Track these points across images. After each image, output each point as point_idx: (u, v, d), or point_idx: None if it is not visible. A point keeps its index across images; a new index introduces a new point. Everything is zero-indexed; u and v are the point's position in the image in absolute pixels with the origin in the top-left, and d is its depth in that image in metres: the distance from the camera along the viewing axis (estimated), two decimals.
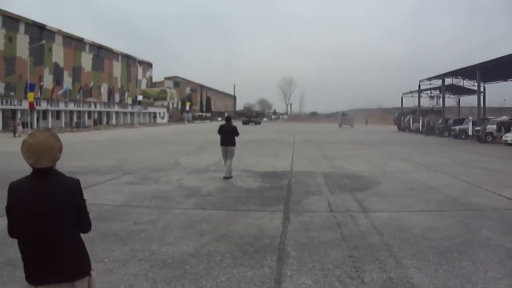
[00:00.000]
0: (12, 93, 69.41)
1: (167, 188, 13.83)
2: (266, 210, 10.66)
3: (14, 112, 64.87)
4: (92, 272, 3.55)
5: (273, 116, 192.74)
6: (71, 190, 3.34)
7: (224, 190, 13.59)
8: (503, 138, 37.45)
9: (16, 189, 3.26)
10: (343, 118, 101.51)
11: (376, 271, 6.34)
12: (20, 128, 51.57)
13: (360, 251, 7.29)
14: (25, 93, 61.86)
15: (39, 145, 3.20)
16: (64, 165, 15.51)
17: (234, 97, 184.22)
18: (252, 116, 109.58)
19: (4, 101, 63.22)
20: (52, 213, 3.18)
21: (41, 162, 3.19)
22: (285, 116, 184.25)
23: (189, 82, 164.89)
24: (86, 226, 3.53)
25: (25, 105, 61.06)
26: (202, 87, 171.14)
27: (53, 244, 3.18)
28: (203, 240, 8.00)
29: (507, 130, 38.56)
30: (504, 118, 42.77)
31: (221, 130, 16.40)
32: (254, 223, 9.33)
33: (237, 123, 25.94)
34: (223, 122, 16.71)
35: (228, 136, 16.14)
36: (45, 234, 3.07)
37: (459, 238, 8.07)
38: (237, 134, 16.35)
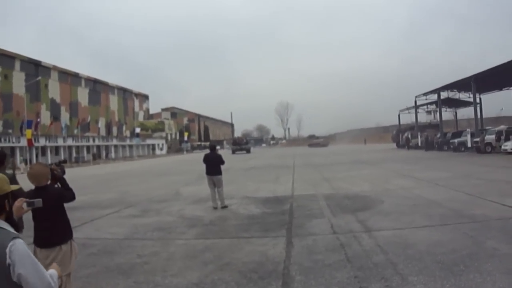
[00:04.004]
0: (10, 131, 69.68)
1: (169, 219, 13.79)
2: (269, 236, 10.60)
3: (13, 149, 64.97)
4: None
5: (271, 141, 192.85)
6: (58, 193, 5.69)
7: (226, 218, 13.54)
8: (502, 147, 37.51)
9: (28, 195, 5.30)
10: (314, 141, 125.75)
11: None
12: (22, 165, 51.75)
13: (365, 271, 7.24)
14: (22, 130, 62.07)
15: (37, 173, 5.51)
16: None
17: (232, 125, 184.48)
18: (242, 144, 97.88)
19: (2, 139, 63.35)
20: (50, 207, 5.28)
21: (40, 183, 5.53)
22: (283, 141, 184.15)
23: (186, 112, 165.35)
24: (71, 199, 5.83)
25: (23, 142, 61.25)
26: (199, 116, 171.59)
27: (50, 224, 4.79)
28: (207, 269, 7.95)
29: (506, 139, 38.61)
30: (502, 127, 42.80)
31: (206, 159, 16.35)
32: (257, 249, 9.27)
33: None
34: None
35: (213, 165, 16.04)
36: (45, 219, 4.59)
37: (464, 251, 8.02)
38: (222, 162, 16.18)
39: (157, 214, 14.96)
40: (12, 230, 3.02)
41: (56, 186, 5.80)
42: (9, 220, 3.13)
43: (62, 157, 70.99)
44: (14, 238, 2.88)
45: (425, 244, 8.74)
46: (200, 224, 12.67)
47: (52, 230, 4.57)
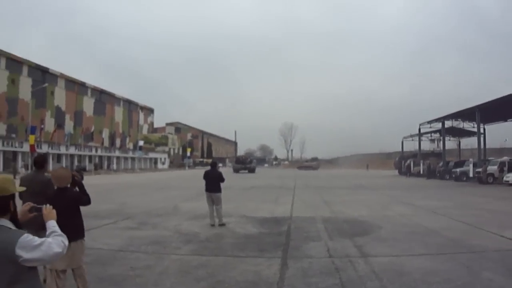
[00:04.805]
0: (13, 135, 69.79)
1: (165, 233, 13.71)
2: (264, 256, 10.53)
3: (15, 154, 65.07)
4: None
5: (274, 162, 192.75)
6: (76, 195, 6.64)
7: (223, 236, 13.45)
8: (504, 178, 37.45)
9: (53, 195, 6.39)
10: (304, 164, 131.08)
11: None
12: (23, 170, 51.77)
13: None
14: (26, 135, 62.16)
15: (60, 175, 6.44)
16: None
17: (235, 143, 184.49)
18: (246, 162, 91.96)
19: (5, 143, 63.53)
20: (66, 206, 5.93)
21: (62, 184, 6.45)
22: (286, 162, 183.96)
23: (190, 128, 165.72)
24: (86, 203, 6.77)
25: (26, 147, 61.23)
26: (203, 133, 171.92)
27: (64, 222, 4.19)
28: (199, 286, 7.91)
29: (509, 171, 38.52)
30: (505, 158, 42.70)
31: (206, 176, 16.28)
32: (251, 269, 9.19)
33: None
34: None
35: (213, 182, 15.98)
36: (60, 217, 3.94)
37: (460, 281, 7.95)
38: (222, 180, 16.13)
39: (154, 227, 14.90)
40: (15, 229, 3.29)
41: (75, 189, 6.72)
42: (13, 220, 3.37)
43: (64, 165, 71.19)
44: (21, 235, 3.16)
45: (420, 272, 8.67)
46: (196, 240, 12.60)
47: (65, 228, 4.38)
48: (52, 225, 3.56)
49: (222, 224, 15.36)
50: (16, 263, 3.08)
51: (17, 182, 4.61)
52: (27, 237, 3.13)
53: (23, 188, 3.95)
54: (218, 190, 15.93)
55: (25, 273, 3.15)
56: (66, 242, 3.41)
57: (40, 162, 8.16)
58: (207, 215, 15.93)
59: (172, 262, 9.83)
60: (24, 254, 3.06)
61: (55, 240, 3.30)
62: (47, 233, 3.45)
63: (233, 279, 8.41)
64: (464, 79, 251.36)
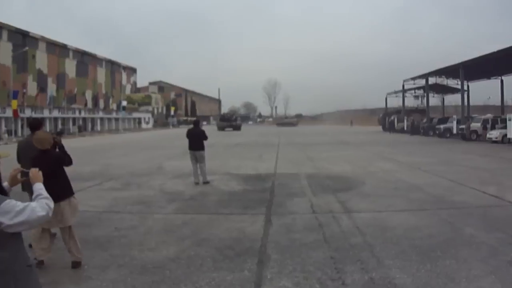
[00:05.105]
0: None
1: (149, 193, 13.70)
2: (248, 213, 10.59)
3: None
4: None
5: (258, 119, 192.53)
6: (58, 156, 6.95)
7: (207, 194, 13.48)
8: (488, 135, 37.63)
9: (35, 157, 6.55)
10: (284, 121, 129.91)
11: (358, 272, 6.27)
12: (6, 136, 51.43)
13: (342, 252, 7.23)
14: (8, 100, 61.29)
15: (42, 138, 6.62)
16: None
17: (219, 101, 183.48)
18: (231, 120, 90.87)
19: None
20: (50, 168, 5.98)
21: (44, 146, 6.63)
22: (270, 119, 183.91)
23: (173, 87, 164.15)
24: (69, 163, 7.17)
25: (8, 112, 60.29)
26: (186, 91, 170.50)
27: (51, 183, 4.58)
28: (184, 244, 7.91)
29: (492, 128, 38.75)
30: (489, 116, 42.91)
31: (189, 134, 16.21)
32: (235, 226, 9.24)
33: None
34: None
35: (196, 140, 15.94)
36: (46, 179, 3.82)
37: (442, 237, 8.04)
38: (205, 138, 16.08)
39: (138, 187, 14.88)
40: None
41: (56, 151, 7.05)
42: None
43: (48, 128, 70.69)
44: (2, 201, 3.05)
45: (403, 228, 8.76)
46: (180, 199, 12.63)
47: (52, 188, 4.39)
48: (38, 187, 3.48)
49: (206, 182, 15.39)
50: None
51: (5, 146, 4.47)
52: (9, 203, 3.03)
53: (8, 154, 3.87)
54: (201, 148, 15.88)
55: (8, 240, 3.06)
56: (51, 205, 3.32)
57: (34, 125, 8.03)
58: (191, 174, 15.91)
59: (156, 222, 9.85)
60: (5, 220, 2.96)
61: (39, 203, 3.21)
62: (33, 196, 3.38)
63: (217, 236, 8.44)
64: (447, 36, 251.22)
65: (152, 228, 9.23)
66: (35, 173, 3.66)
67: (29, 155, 6.83)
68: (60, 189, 6.68)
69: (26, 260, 3.25)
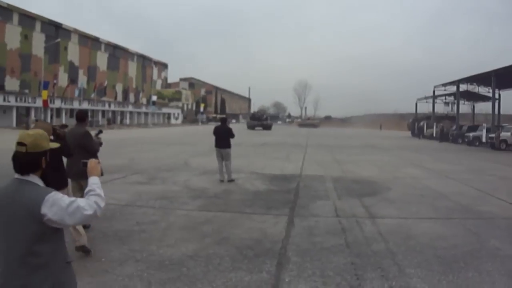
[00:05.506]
0: (26, 91, 69.77)
1: (174, 188, 13.74)
2: (271, 213, 10.51)
3: (28, 109, 65.16)
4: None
5: (287, 120, 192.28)
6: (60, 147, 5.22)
7: (231, 192, 13.45)
8: None
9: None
10: (306, 122, 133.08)
11: (378, 280, 6.15)
12: (33, 125, 51.94)
13: (363, 258, 7.11)
14: (39, 90, 62.00)
15: (40, 129, 4.76)
16: None
17: (249, 100, 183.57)
18: (262, 119, 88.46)
19: (18, 99, 63.53)
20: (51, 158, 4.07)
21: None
22: (299, 120, 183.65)
23: (204, 84, 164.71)
24: (68, 155, 7.42)
25: (39, 102, 61.02)
26: (217, 88, 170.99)
27: (53, 172, 4.24)
28: (204, 242, 7.86)
29: None
30: None
31: (216, 132, 16.14)
32: (257, 226, 9.18)
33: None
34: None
35: (223, 137, 15.87)
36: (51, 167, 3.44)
37: (466, 248, 7.85)
38: (232, 136, 16.04)
39: (163, 182, 14.93)
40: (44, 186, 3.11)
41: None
42: (44, 177, 3.16)
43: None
44: (48, 193, 2.96)
45: (427, 236, 8.58)
46: (204, 196, 12.60)
47: (53, 179, 4.36)
48: (92, 181, 3.25)
49: (231, 180, 15.37)
50: (41, 222, 2.89)
51: None
52: (55, 195, 2.94)
53: (57, 145, 3.58)
54: (228, 145, 15.83)
55: (50, 233, 2.97)
56: (102, 203, 3.12)
57: (80, 116, 8.71)
58: (217, 171, 15.90)
59: (178, 218, 9.83)
60: (48, 212, 2.87)
61: (88, 201, 3.05)
62: (85, 190, 3.19)
63: (239, 236, 8.38)
64: (482, 44, 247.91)
65: (173, 224, 9.21)
66: (94, 164, 3.44)
67: (73, 144, 7.46)
68: (58, 179, 6.62)
69: (66, 257, 3.15)
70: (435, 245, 7.97)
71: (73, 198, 3.04)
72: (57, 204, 2.91)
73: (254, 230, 8.89)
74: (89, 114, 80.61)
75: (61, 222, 2.94)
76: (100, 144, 8.67)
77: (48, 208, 2.88)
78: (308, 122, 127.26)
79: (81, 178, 7.67)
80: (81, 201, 3.02)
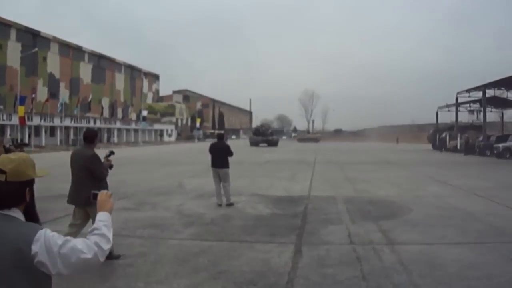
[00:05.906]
0: (1, 107, 69.83)
1: (165, 215, 13.56)
2: (276, 241, 10.29)
3: (3, 127, 65.08)
4: None
5: (293, 134, 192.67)
6: None
7: (230, 217, 13.26)
8: None
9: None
10: (306, 136, 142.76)
11: None
12: (10, 145, 51.91)
13: None
14: (15, 106, 62.07)
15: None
16: (52, 188, 15.54)
17: (250, 113, 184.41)
18: (266, 134, 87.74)
19: None
20: None
21: None
22: (308, 134, 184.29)
23: (200, 96, 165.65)
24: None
25: (15, 120, 60.97)
26: (214, 101, 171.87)
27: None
28: (198, 277, 7.64)
29: None
30: None
31: (211, 149, 15.94)
32: (260, 257, 8.96)
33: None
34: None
35: (219, 156, 15.66)
36: None
37: (503, 278, 7.61)
38: (230, 154, 15.80)
39: (153, 208, 14.75)
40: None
41: None
42: (28, 212, 2.86)
43: (58, 139, 71.27)
44: (38, 230, 2.67)
45: (456, 265, 8.33)
46: (199, 223, 12.42)
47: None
48: (99, 218, 2.95)
49: (230, 204, 15.18)
50: (30, 265, 2.55)
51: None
52: (47, 232, 2.62)
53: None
54: (226, 165, 15.61)
55: (41, 279, 2.64)
56: (105, 246, 2.76)
57: (88, 137, 8.97)
58: (214, 194, 15.72)
59: (169, 249, 9.63)
60: (39, 253, 2.53)
61: (87, 242, 2.72)
62: (89, 229, 2.86)
63: (238, 268, 8.16)
64: (508, 44, 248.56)
65: (164, 257, 8.99)
66: (106, 197, 3.15)
67: (77, 165, 7.87)
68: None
69: None
70: (466, 275, 7.73)
71: (68, 237, 2.71)
72: (49, 243, 2.59)
73: (256, 261, 8.67)
74: (72, 131, 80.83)
75: (51, 268, 2.59)
76: (110, 167, 8.65)
77: (39, 248, 2.56)
78: (308, 137, 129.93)
79: (88, 205, 7.74)
80: (77, 241, 2.69)
